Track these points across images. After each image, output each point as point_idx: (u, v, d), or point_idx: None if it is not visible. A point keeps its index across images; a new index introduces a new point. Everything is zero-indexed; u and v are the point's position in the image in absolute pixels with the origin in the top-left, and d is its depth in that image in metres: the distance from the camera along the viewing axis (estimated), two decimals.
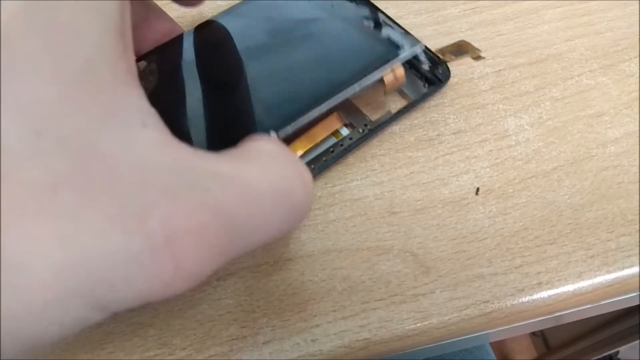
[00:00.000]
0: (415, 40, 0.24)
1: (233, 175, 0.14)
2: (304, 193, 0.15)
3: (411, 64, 0.26)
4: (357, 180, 0.24)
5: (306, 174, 0.16)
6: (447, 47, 0.25)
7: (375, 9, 0.26)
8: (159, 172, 0.12)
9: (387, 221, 0.23)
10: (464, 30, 0.28)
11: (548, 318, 0.23)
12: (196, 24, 0.25)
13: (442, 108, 0.26)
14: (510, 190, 0.24)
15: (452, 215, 0.23)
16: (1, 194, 0.10)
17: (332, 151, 0.24)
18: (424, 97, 0.25)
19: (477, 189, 0.24)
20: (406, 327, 0.21)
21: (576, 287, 0.22)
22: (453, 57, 0.26)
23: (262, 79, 0.23)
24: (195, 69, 0.24)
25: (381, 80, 0.23)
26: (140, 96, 0.13)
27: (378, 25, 0.25)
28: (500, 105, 0.26)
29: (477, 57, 0.25)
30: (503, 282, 0.22)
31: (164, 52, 0.25)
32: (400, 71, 0.24)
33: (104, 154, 0.11)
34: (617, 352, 0.97)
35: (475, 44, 0.28)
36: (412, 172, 0.24)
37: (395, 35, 0.24)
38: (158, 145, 0.12)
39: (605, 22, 0.29)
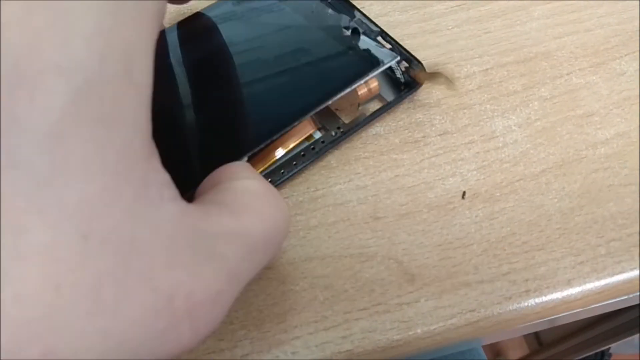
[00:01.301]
0: (391, 54, 0.23)
1: (237, 232, 0.15)
2: (287, 226, 0.17)
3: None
4: (340, 184, 0.23)
5: (284, 204, 0.17)
6: (422, 73, 0.24)
7: (353, 16, 0.25)
8: (181, 247, 0.13)
9: (371, 227, 0.22)
10: (450, 27, 0.28)
11: (541, 322, 0.22)
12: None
13: (427, 108, 0.25)
14: (498, 194, 0.23)
15: (438, 220, 0.22)
16: (53, 303, 0.11)
17: (304, 155, 0.23)
18: (398, 100, 0.25)
19: (464, 193, 0.23)
20: (390, 338, 0.20)
21: (565, 294, 0.21)
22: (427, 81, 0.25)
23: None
24: (182, 63, 0.24)
25: (354, 91, 0.23)
26: (158, 165, 0.14)
27: (356, 34, 0.24)
28: (488, 106, 0.25)
29: (450, 85, 0.25)
30: (490, 290, 0.21)
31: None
32: (375, 84, 0.24)
33: (138, 242, 0.12)
34: (609, 348, 0.97)
35: (462, 42, 0.27)
36: (397, 176, 0.24)
37: (372, 47, 0.24)
38: (177, 218, 0.13)
39: (595, 18, 0.28)
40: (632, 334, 0.76)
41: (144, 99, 0.13)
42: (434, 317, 0.21)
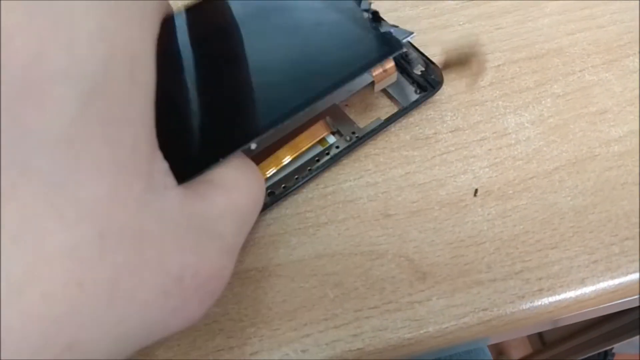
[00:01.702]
0: (406, 31, 0.23)
1: (230, 209, 0.16)
2: (263, 195, 0.18)
3: (402, 68, 0.25)
4: (351, 181, 0.23)
5: (260, 174, 0.18)
6: (452, 56, 0.23)
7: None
8: (185, 231, 0.14)
9: (382, 224, 0.22)
10: (461, 23, 0.27)
11: (547, 321, 0.22)
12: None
13: (439, 105, 0.25)
14: (510, 192, 0.23)
15: (450, 217, 0.22)
16: (77, 299, 0.11)
17: (318, 160, 0.23)
18: (414, 104, 0.24)
19: (476, 190, 0.23)
20: (401, 336, 0.20)
21: (579, 293, 0.21)
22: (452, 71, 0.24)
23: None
24: (189, 43, 0.23)
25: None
26: (160, 154, 0.14)
27: (376, 18, 0.24)
28: (500, 102, 0.25)
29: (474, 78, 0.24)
30: (502, 289, 0.21)
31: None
32: (391, 64, 0.22)
33: (148, 232, 0.13)
34: (612, 348, 0.96)
35: (473, 38, 0.27)
36: (408, 173, 0.23)
37: (392, 30, 0.23)
38: (179, 204, 0.14)
39: (608, 15, 0.28)
40: (635, 334, 0.76)
41: (148, 96, 0.13)
42: (446, 315, 0.20)
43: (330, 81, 0.21)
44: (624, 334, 0.78)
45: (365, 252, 0.22)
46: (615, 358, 0.98)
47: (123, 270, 0.12)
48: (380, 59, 0.21)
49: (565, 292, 0.21)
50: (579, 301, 0.21)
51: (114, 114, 0.12)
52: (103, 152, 0.12)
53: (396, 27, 0.23)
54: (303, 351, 0.20)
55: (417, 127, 0.24)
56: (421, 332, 0.20)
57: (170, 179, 0.14)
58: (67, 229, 0.11)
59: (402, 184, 0.23)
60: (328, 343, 0.20)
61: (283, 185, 0.23)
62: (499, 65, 0.26)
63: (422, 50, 0.24)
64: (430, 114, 0.25)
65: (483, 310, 0.20)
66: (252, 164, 0.18)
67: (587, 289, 0.21)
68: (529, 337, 0.95)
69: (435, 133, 0.24)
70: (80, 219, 0.11)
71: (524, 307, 0.21)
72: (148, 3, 0.13)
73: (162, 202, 0.13)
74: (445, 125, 0.24)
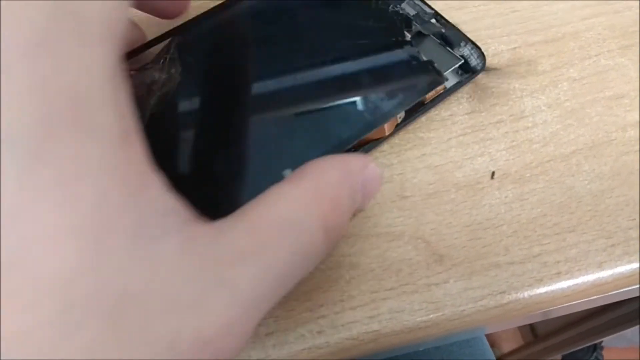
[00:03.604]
0: (453, 60, 0.23)
1: (253, 250, 0.13)
2: (327, 246, 0.15)
3: (446, 41, 0.24)
4: None
5: (332, 219, 0.15)
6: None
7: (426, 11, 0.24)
8: (183, 281, 0.12)
9: (398, 206, 0.22)
10: (476, 5, 0.27)
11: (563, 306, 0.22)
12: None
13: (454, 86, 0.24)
14: (528, 175, 0.22)
15: (467, 200, 0.22)
16: None
17: (354, 150, 0.22)
18: (458, 86, 0.23)
19: (493, 173, 0.22)
20: (418, 319, 0.20)
21: (596, 277, 0.21)
22: None
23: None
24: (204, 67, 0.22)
25: None
26: (159, 192, 0.12)
27: (419, 37, 0.23)
28: (516, 85, 0.25)
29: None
30: (520, 272, 0.20)
31: (185, 34, 0.22)
32: (441, 87, 0.23)
33: (129, 295, 0.11)
34: (602, 342, 0.98)
35: (489, 20, 0.26)
36: (424, 154, 0.23)
37: (437, 53, 0.23)
38: (180, 249, 0.12)
39: (623, 0, 0.27)
40: (625, 327, 0.77)
41: (115, 136, 0.11)
42: (464, 298, 0.20)
43: (371, 119, 0.21)
44: (614, 327, 0.79)
45: (382, 233, 0.21)
46: (604, 351, 0.99)
47: (96, 347, 0.10)
48: (415, 97, 0.21)
49: (583, 275, 0.21)
50: (596, 285, 0.21)
51: (66, 170, 0.10)
52: (57, 216, 0.10)
53: (447, 49, 0.23)
54: (319, 332, 0.19)
55: (432, 109, 0.24)
56: (438, 314, 0.20)
57: (172, 220, 0.12)
58: (22, 311, 0.10)
59: (417, 166, 0.23)
60: (344, 324, 0.20)
61: None
62: (514, 48, 0.26)
63: None
64: (446, 96, 0.24)
65: (501, 293, 0.20)
66: (311, 209, 0.15)
67: (605, 273, 0.21)
68: (521, 329, 0.96)
69: (451, 115, 0.24)
70: (40, 295, 0.10)
71: (542, 291, 0.20)
72: (94, 29, 0.11)
73: (156, 250, 0.12)
74: (461, 107, 0.24)
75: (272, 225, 0.14)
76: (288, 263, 0.14)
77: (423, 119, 0.24)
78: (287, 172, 0.19)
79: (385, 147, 0.23)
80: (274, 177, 0.16)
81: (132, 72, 0.23)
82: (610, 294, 0.22)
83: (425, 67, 0.23)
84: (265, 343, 0.19)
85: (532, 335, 0.93)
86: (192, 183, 0.20)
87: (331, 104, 0.22)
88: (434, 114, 0.24)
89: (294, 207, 0.15)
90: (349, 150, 0.22)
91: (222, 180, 0.20)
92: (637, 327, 0.71)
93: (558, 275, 0.21)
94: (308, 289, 0.20)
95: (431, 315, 0.20)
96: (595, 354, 0.97)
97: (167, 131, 0.21)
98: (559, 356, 0.96)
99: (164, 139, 0.22)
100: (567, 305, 0.21)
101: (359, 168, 0.16)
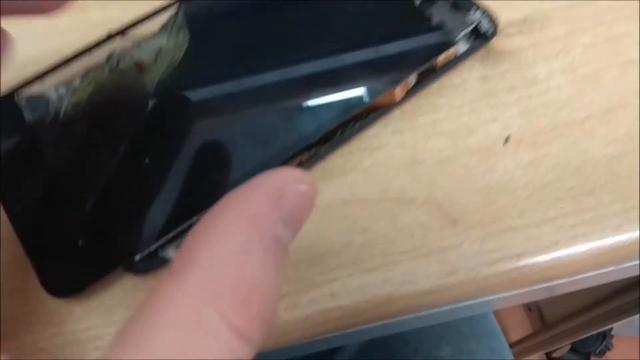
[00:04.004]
0: (464, 22, 0.23)
1: None
2: (250, 345, 0.11)
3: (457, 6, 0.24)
4: (376, 127, 0.22)
5: (244, 310, 0.11)
6: None
7: None
8: None
9: (410, 171, 0.21)
10: None
11: (543, 287, 0.21)
12: None
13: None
14: (542, 140, 0.22)
15: (480, 165, 0.22)
16: None
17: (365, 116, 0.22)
18: (469, 52, 0.23)
19: (507, 138, 0.22)
20: (432, 282, 0.20)
21: (614, 240, 0.20)
22: None
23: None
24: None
25: None
26: None
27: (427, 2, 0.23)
28: (530, 50, 0.24)
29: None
30: (536, 235, 0.20)
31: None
32: (452, 50, 0.22)
33: None
34: (611, 329, 0.97)
35: None
36: (436, 120, 0.23)
37: (446, 16, 0.22)
38: None
39: None
40: (635, 313, 0.76)
41: None
42: (478, 261, 0.20)
43: (380, 85, 0.21)
44: (623, 313, 0.78)
45: (394, 198, 0.21)
46: (614, 340, 0.99)
47: None
48: (425, 60, 0.21)
49: (600, 238, 0.20)
50: (613, 249, 0.20)
51: None
52: None
53: (457, 9, 0.23)
54: (331, 295, 0.19)
55: (444, 75, 0.23)
56: (452, 278, 0.20)
57: None
58: None
59: (429, 132, 0.22)
60: (357, 287, 0.19)
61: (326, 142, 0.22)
62: (527, 14, 0.25)
63: None
64: (457, 62, 0.24)
65: (516, 256, 0.20)
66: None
67: (622, 237, 0.20)
68: (529, 316, 0.95)
69: (464, 81, 0.23)
70: None
71: (558, 255, 0.20)
72: None
73: None
74: (473, 73, 0.24)
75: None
76: None
77: (435, 85, 0.23)
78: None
79: (396, 113, 0.23)
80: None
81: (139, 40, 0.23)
82: (627, 266, 0.22)
83: (436, 31, 0.22)
84: (277, 306, 0.19)
85: (540, 323, 0.93)
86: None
87: (341, 66, 0.21)
88: (445, 80, 0.23)
89: (183, 327, 0.11)
90: (358, 117, 0.22)
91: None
92: None
93: (574, 239, 0.20)
94: (318, 252, 0.20)
95: (445, 279, 0.20)
96: (605, 342, 0.97)
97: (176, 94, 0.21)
98: (569, 344, 0.95)
99: (173, 104, 0.21)
100: (585, 277, 0.21)
101: (271, 204, 0.12)
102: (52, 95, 0.21)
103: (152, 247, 0.18)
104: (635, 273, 0.24)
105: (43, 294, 0.18)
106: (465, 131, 0.22)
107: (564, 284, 0.22)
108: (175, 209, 0.19)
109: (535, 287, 0.21)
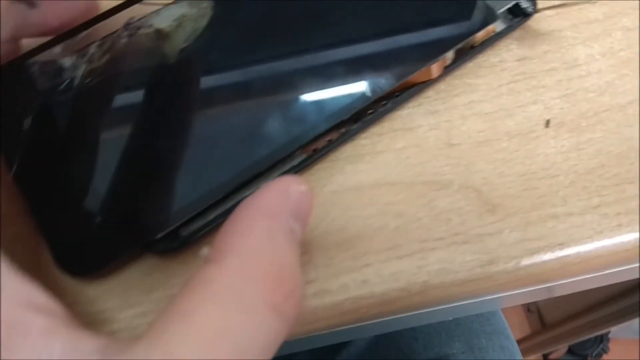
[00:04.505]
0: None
1: None
2: (284, 323, 0.13)
3: None
4: (409, 107, 0.21)
5: (279, 289, 0.13)
6: None
7: None
8: None
9: (445, 154, 0.20)
10: None
11: (541, 288, 0.20)
12: None
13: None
14: (584, 124, 0.21)
15: (520, 149, 0.20)
16: None
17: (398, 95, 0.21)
18: (508, 30, 0.22)
19: (547, 121, 0.21)
20: (470, 270, 0.18)
21: None
22: None
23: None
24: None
25: None
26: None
27: None
28: (568, 33, 0.23)
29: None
30: (579, 223, 0.19)
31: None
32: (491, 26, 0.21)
33: None
34: (608, 332, 0.97)
35: None
36: (472, 101, 0.21)
37: None
38: None
39: None
40: (632, 317, 0.76)
41: None
42: (519, 249, 0.19)
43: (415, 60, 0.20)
44: (622, 317, 0.78)
45: (428, 181, 0.20)
46: (610, 343, 0.98)
47: None
48: (465, 35, 0.20)
49: None
50: None
51: None
52: None
53: None
54: (363, 281, 0.18)
55: (480, 55, 0.22)
56: (491, 266, 0.18)
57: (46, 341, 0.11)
58: None
59: (465, 113, 0.21)
60: (391, 274, 0.18)
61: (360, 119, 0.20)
62: None
63: None
64: (495, 41, 0.23)
65: (559, 245, 0.19)
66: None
67: None
68: (528, 317, 0.95)
69: (501, 61, 0.22)
70: None
71: (603, 244, 0.19)
72: None
73: None
74: (511, 53, 0.22)
75: (200, 340, 0.12)
76: None
77: (471, 64, 0.22)
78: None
79: (430, 93, 0.21)
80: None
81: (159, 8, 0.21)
82: None
83: (477, 5, 0.21)
84: (306, 292, 0.18)
85: (540, 324, 0.92)
86: None
87: (380, 41, 0.20)
88: (482, 60, 0.22)
89: (225, 302, 0.12)
90: (390, 96, 0.20)
91: None
92: None
93: (619, 228, 0.19)
94: (350, 237, 0.19)
95: (484, 268, 0.18)
96: (601, 345, 0.96)
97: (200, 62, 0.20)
98: (566, 346, 0.95)
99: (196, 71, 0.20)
100: (627, 261, 0.20)
101: (282, 201, 0.14)
102: (67, 63, 0.20)
103: (174, 226, 0.17)
104: None
105: (54, 273, 0.17)
106: (504, 113, 0.21)
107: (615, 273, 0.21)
108: (197, 186, 0.18)
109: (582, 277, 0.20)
